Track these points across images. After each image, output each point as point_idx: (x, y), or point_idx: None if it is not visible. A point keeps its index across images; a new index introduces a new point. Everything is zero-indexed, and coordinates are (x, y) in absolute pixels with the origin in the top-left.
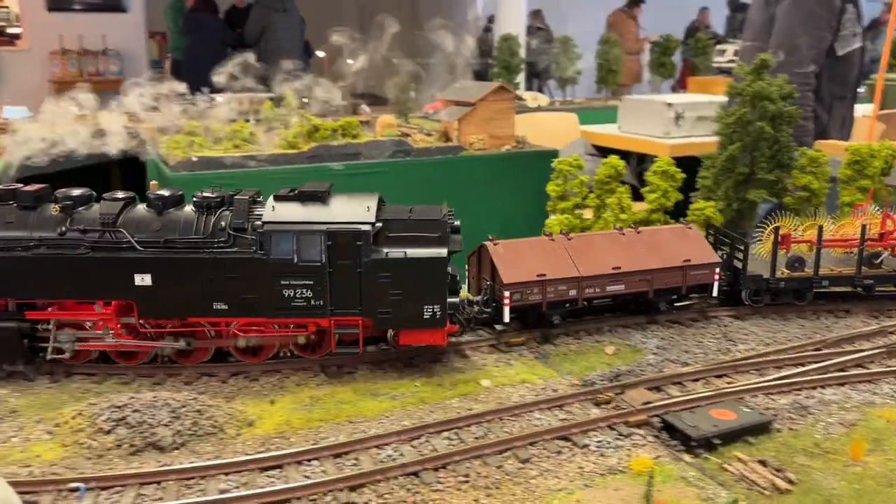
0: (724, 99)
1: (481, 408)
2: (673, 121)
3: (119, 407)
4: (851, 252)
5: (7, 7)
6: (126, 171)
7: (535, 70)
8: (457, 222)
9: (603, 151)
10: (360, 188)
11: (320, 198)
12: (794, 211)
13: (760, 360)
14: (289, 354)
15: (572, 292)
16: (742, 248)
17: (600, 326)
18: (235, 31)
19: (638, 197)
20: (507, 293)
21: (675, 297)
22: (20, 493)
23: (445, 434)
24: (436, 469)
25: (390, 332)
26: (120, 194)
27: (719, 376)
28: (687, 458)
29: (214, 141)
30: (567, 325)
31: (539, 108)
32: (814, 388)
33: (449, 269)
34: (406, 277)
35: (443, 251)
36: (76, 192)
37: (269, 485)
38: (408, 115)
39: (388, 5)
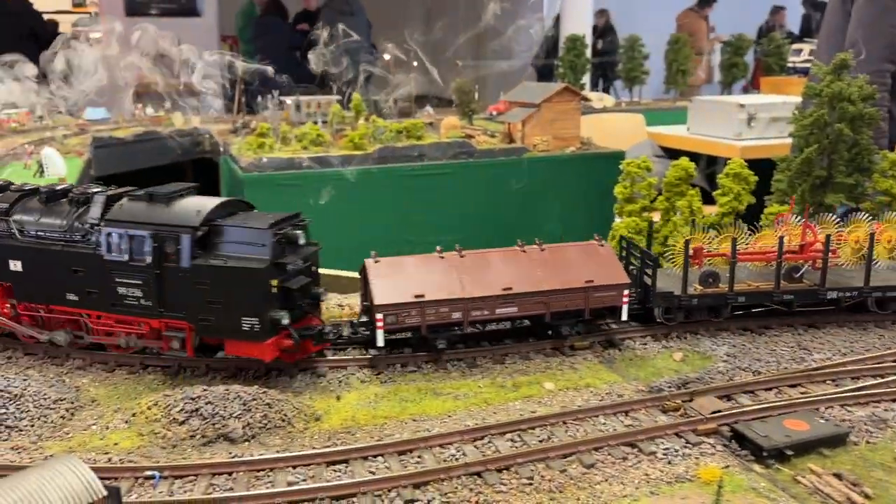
0: (798, 100)
1: (545, 411)
2: (745, 122)
3: (193, 398)
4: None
5: (90, 12)
6: (199, 171)
7: (600, 71)
8: (297, 233)
9: (671, 153)
10: (423, 190)
11: (166, 199)
12: (873, 216)
13: (837, 370)
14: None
15: (456, 315)
16: (651, 263)
17: (668, 332)
18: (304, 35)
19: (708, 200)
20: (379, 315)
21: (579, 320)
22: (101, 478)
23: (509, 435)
24: (499, 470)
25: None
26: (25, 187)
27: (793, 386)
28: (757, 468)
29: (284, 142)
30: (632, 329)
31: (605, 109)
32: (894, 400)
33: (296, 282)
34: (224, 286)
35: (261, 262)
36: None
37: (335, 479)
38: (472, 117)
39: (453, 7)
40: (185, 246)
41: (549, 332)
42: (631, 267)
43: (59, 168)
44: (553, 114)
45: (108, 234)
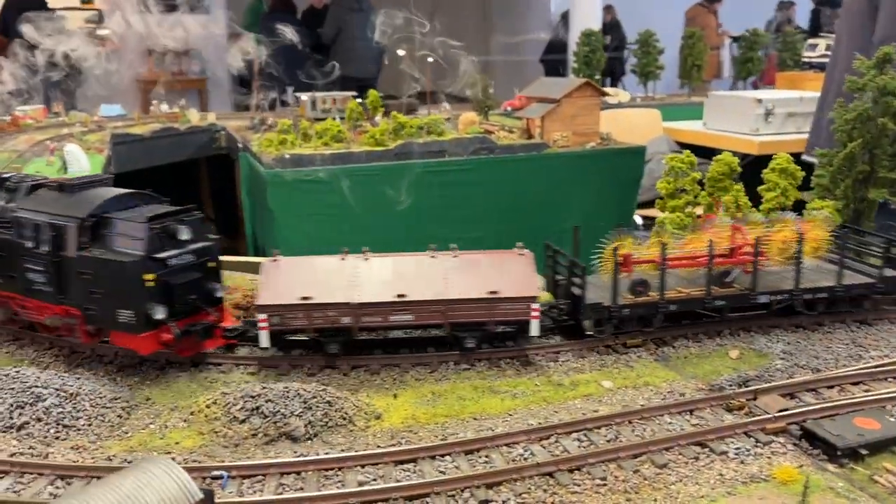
0: (816, 95)
1: (607, 410)
2: (762, 117)
3: (253, 397)
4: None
5: (98, 9)
6: (214, 168)
7: (608, 67)
8: (179, 227)
9: (687, 149)
10: (445, 185)
11: (73, 189)
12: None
13: None
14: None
15: (346, 319)
16: (579, 272)
17: (721, 329)
18: (313, 31)
19: None
20: (262, 316)
21: (484, 332)
22: None
23: (575, 435)
24: (570, 471)
25: None
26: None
27: (855, 383)
28: (831, 467)
29: (304, 138)
30: (686, 327)
31: (620, 105)
32: None
33: (181, 277)
34: (103, 278)
35: (134, 256)
36: None
37: (405, 478)
38: (487, 113)
39: (460, 3)
40: (71, 236)
41: (450, 346)
42: (558, 277)
43: (84, 164)
44: (573, 109)
45: (19, 221)
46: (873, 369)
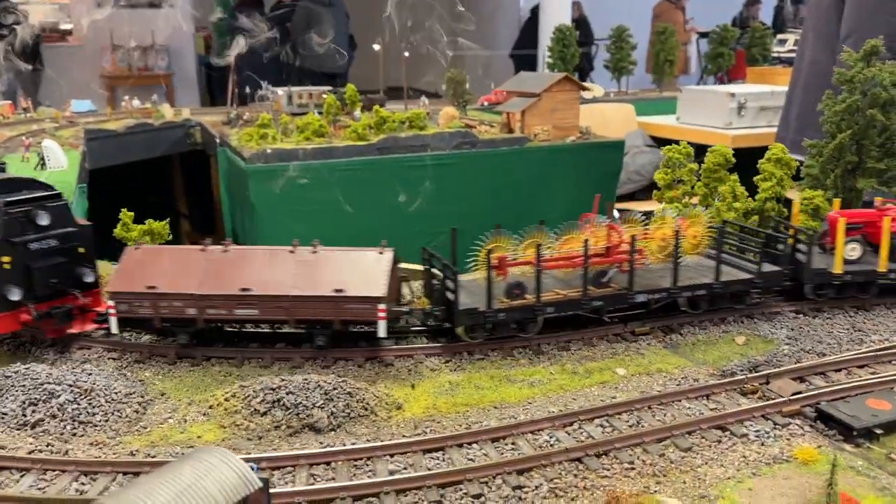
0: (785, 89)
1: (624, 396)
2: (735, 111)
3: (273, 389)
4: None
5: (60, 2)
6: (188, 164)
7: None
8: (38, 212)
9: (661, 143)
10: (428, 179)
11: None
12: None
13: None
14: None
15: (191, 311)
16: (452, 276)
17: (725, 317)
18: (282, 26)
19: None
20: (111, 302)
21: (336, 330)
22: None
23: (597, 421)
24: (598, 456)
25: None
26: None
27: (861, 367)
28: (848, 447)
29: (285, 133)
30: (692, 314)
31: (595, 100)
32: None
33: (42, 261)
34: None
35: None
36: None
37: (435, 466)
38: (465, 108)
39: None
40: None
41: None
42: (434, 281)
43: (61, 160)
44: (553, 103)
45: None
46: (877, 353)
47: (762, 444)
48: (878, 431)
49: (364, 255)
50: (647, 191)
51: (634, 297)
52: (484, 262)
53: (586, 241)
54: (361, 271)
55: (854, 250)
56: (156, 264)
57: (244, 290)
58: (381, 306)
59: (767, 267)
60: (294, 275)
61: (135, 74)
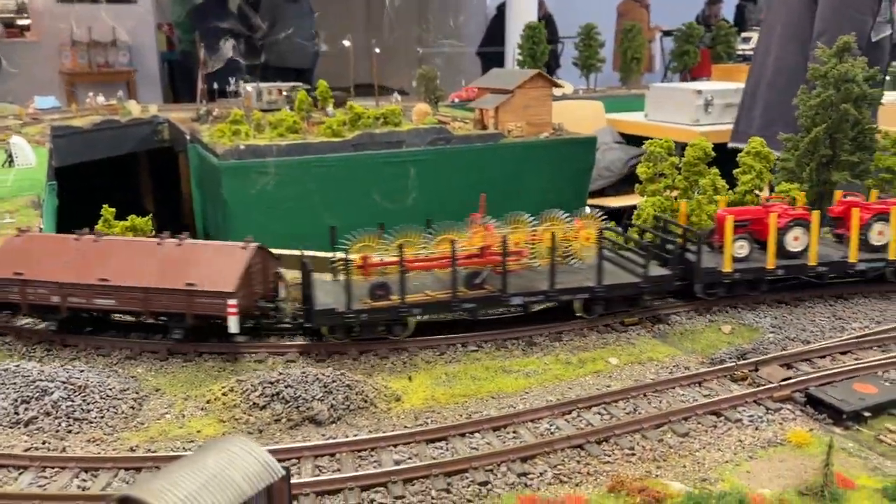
0: None
1: (619, 384)
2: (702, 108)
3: (272, 383)
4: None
5: None
6: (156, 161)
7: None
8: None
9: (629, 139)
10: (403, 176)
11: None
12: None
13: (880, 336)
14: None
15: (55, 299)
16: (307, 275)
17: (710, 306)
18: (247, 22)
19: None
20: None
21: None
22: None
23: (595, 409)
24: (598, 442)
25: None
26: None
27: (844, 353)
28: (838, 430)
29: (258, 129)
30: (673, 305)
31: (565, 97)
32: None
33: None
34: None
35: None
36: None
37: (440, 456)
38: (437, 104)
39: None
40: None
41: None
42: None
43: (30, 157)
44: (526, 100)
45: None
46: (859, 339)
47: (756, 429)
48: (866, 414)
49: (224, 249)
50: (616, 186)
51: (509, 300)
52: (340, 261)
53: (453, 241)
54: (216, 266)
55: (742, 248)
56: (31, 252)
57: (102, 280)
58: (232, 301)
59: (656, 269)
60: (154, 267)
61: (95, 71)
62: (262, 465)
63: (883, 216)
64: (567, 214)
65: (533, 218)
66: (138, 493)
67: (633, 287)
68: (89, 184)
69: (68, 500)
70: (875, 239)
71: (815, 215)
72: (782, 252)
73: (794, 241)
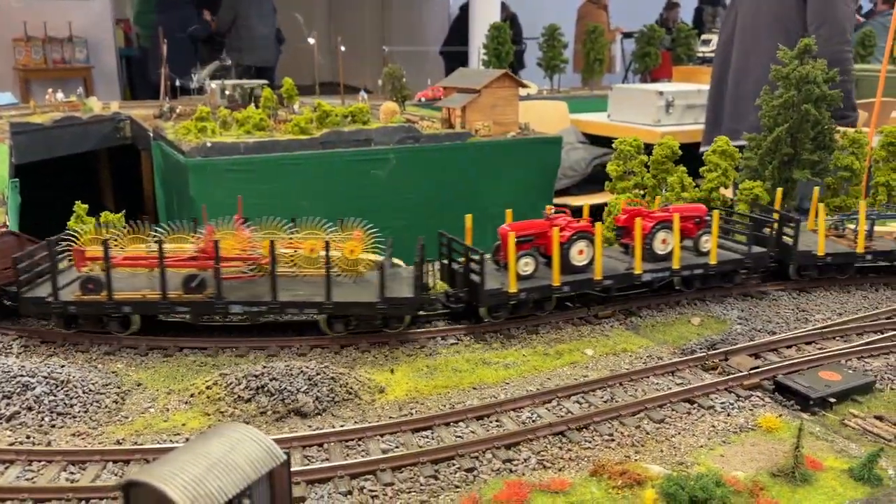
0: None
1: (596, 374)
2: (664, 109)
3: (256, 376)
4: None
5: None
6: (117, 159)
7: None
8: None
9: (593, 139)
10: (371, 174)
11: None
12: (834, 190)
13: (843, 327)
14: None
15: None
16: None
17: (679, 300)
18: (207, 20)
19: None
20: None
21: None
22: None
23: (574, 398)
24: (579, 429)
25: None
26: None
27: (808, 343)
28: (805, 416)
29: (224, 126)
30: (649, 298)
31: (530, 97)
32: None
33: None
34: None
35: None
36: None
37: (426, 444)
38: (404, 103)
39: None
40: None
41: None
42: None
43: None
44: (493, 99)
45: None
46: (822, 330)
47: (728, 415)
48: (832, 400)
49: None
50: (580, 186)
51: (228, 308)
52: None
53: (160, 242)
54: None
55: (528, 265)
56: None
57: None
58: None
59: (403, 290)
60: None
61: (51, 67)
62: (265, 449)
63: (666, 224)
64: (332, 225)
65: (331, 225)
66: (145, 477)
67: (370, 307)
68: (48, 182)
69: (72, 493)
70: (659, 248)
71: (599, 227)
72: (568, 267)
73: (579, 254)
